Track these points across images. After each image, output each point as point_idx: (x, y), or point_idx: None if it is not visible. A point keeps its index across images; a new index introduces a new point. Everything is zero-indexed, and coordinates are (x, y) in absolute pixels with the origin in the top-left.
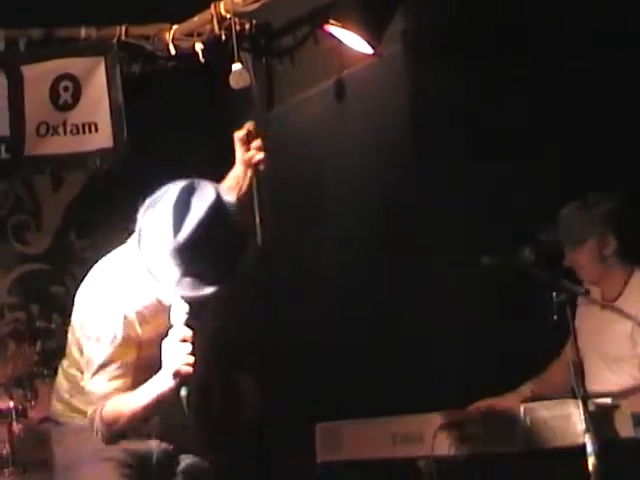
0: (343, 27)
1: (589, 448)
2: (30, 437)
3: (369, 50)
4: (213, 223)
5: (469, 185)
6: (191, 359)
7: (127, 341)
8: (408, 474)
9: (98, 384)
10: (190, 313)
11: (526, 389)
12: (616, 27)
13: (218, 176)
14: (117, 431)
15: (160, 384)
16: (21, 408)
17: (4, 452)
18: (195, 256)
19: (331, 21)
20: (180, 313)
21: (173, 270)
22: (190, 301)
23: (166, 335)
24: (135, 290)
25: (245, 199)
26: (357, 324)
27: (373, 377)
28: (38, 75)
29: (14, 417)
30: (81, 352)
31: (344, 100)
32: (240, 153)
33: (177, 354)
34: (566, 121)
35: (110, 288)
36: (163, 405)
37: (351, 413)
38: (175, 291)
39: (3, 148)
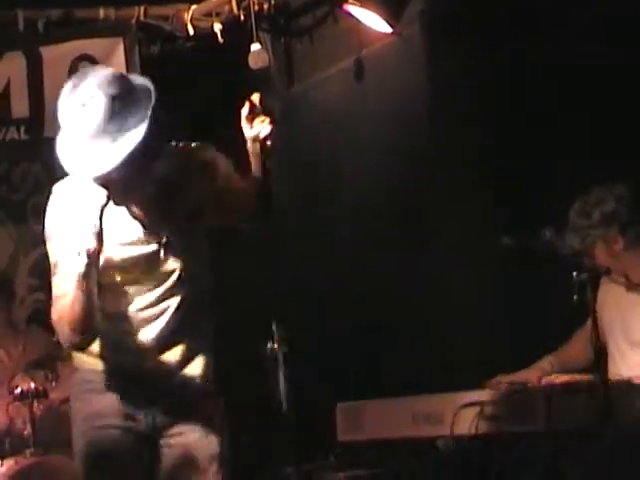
0: (362, 6)
1: (608, 429)
2: (51, 418)
3: (388, 29)
4: (105, 97)
5: (485, 164)
6: (93, 242)
7: None
8: (428, 453)
9: (55, 284)
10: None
11: (545, 363)
12: (630, 9)
13: (237, 155)
14: (64, 332)
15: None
16: (42, 389)
17: (25, 433)
18: (85, 132)
19: (350, 0)
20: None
21: (71, 152)
22: (99, 183)
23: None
24: (89, 195)
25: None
26: (374, 304)
27: (392, 357)
28: (57, 56)
29: (35, 398)
30: None
31: (363, 79)
32: (247, 129)
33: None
34: (582, 101)
35: (66, 191)
36: (90, 296)
37: (370, 393)
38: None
39: (22, 129)
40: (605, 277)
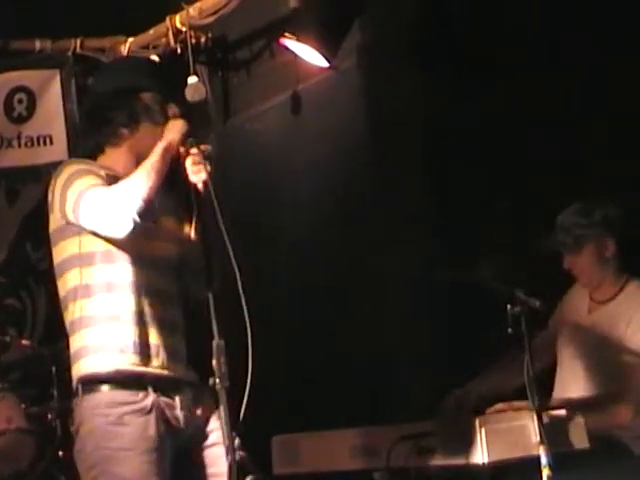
0: (299, 40)
1: (543, 460)
2: None
3: (325, 63)
4: None
5: (423, 197)
6: None
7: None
8: None
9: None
10: None
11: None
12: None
13: (175, 184)
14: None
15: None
16: None
17: None
18: None
19: (287, 34)
20: None
21: None
22: None
23: None
24: None
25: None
26: (314, 337)
27: (330, 390)
28: None
29: None
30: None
31: (300, 113)
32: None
33: None
34: (520, 129)
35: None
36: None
37: (307, 426)
38: None
39: None
40: (572, 298)
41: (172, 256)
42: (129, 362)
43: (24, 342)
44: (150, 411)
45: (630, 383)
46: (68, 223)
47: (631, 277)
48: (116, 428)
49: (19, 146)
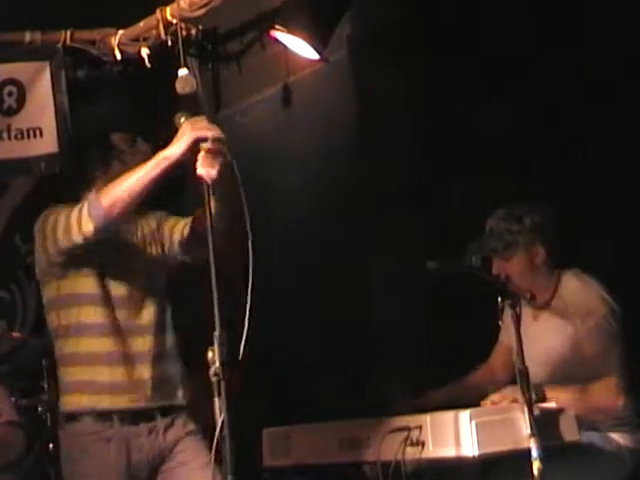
0: (289, 33)
1: (534, 452)
2: None
3: (315, 56)
4: None
5: (415, 189)
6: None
7: None
8: (355, 479)
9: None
10: None
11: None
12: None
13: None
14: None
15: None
16: None
17: None
18: None
19: (277, 27)
20: None
21: None
22: None
23: None
24: None
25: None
26: (306, 329)
27: (321, 382)
28: None
29: None
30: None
31: (290, 105)
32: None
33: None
34: (511, 123)
35: None
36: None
37: (298, 418)
38: None
39: None
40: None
41: (148, 289)
42: (99, 401)
43: (14, 334)
44: (110, 440)
45: (606, 370)
46: (50, 263)
47: (562, 271)
48: (81, 455)
49: (9, 138)
